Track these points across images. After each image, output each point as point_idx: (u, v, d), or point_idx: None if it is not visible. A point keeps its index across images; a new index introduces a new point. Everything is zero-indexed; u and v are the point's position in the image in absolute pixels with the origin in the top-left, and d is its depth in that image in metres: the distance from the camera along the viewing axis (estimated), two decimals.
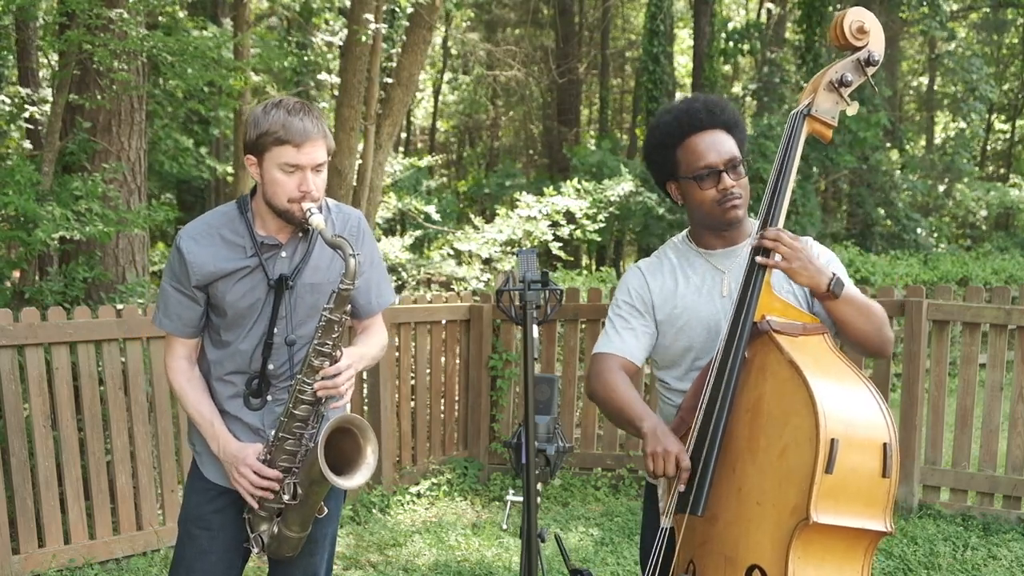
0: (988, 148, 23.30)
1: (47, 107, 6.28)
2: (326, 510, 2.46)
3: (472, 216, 11.60)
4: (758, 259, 2.26)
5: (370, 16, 7.50)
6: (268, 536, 2.41)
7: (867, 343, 2.31)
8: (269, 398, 2.44)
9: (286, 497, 2.35)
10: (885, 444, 2.06)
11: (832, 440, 2.00)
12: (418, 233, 12.05)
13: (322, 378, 2.32)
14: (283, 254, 2.40)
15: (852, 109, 2.35)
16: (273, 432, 2.38)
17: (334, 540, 2.66)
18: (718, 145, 2.36)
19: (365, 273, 2.50)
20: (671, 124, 2.41)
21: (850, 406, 2.07)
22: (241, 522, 2.47)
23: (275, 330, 2.39)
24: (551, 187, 9.51)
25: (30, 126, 6.87)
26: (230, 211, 2.44)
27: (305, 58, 12.63)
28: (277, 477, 2.35)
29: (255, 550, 2.43)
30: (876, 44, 2.33)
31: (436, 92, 21.12)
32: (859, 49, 2.33)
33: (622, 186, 10.32)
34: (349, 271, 2.27)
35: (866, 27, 2.31)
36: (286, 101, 2.32)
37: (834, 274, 2.25)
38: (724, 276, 2.43)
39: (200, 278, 2.37)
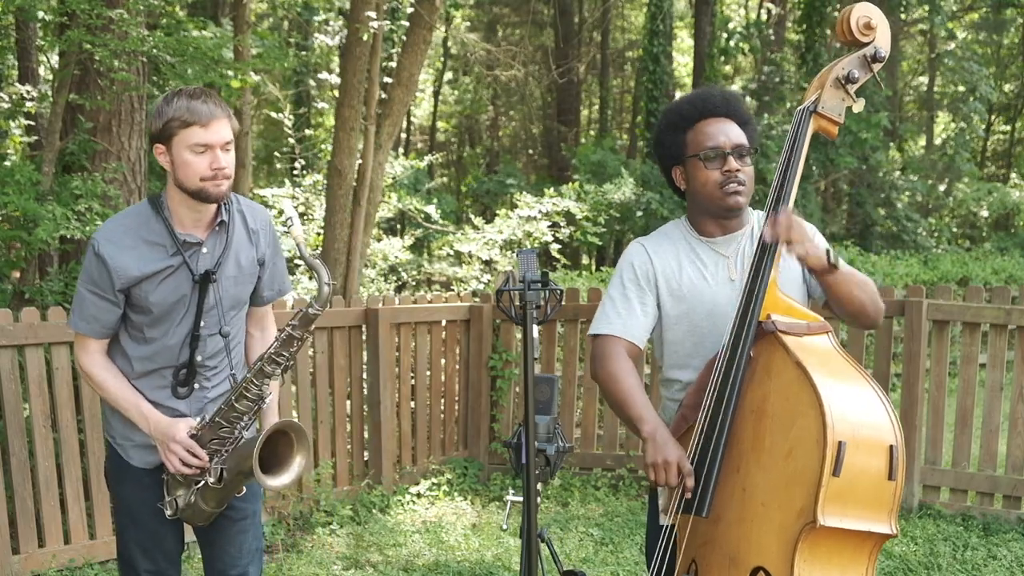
0: (988, 148, 23.27)
1: (46, 103, 6.27)
2: (245, 490, 2.56)
3: (472, 216, 11.59)
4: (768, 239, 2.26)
5: (371, 14, 7.48)
6: (183, 502, 2.49)
7: (864, 313, 2.32)
8: (196, 386, 2.51)
9: (211, 480, 2.43)
10: (891, 446, 2.04)
11: (840, 443, 1.98)
12: (418, 233, 12.04)
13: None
14: (204, 250, 2.46)
15: (858, 106, 2.34)
16: (209, 415, 2.46)
17: (260, 513, 2.74)
18: (728, 131, 2.38)
19: (271, 264, 2.61)
20: (687, 106, 2.45)
21: (857, 408, 2.06)
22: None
23: (201, 323, 2.46)
24: (551, 189, 9.50)
25: (31, 122, 6.86)
26: (143, 211, 2.47)
27: (303, 55, 12.61)
28: (205, 459, 2.43)
29: (168, 512, 2.51)
30: (883, 40, 2.32)
31: (436, 92, 21.11)
32: (865, 45, 2.31)
33: (623, 190, 10.32)
34: (322, 297, 2.39)
35: (873, 23, 2.30)
36: (186, 89, 2.40)
37: (829, 246, 2.28)
38: (727, 260, 2.42)
39: (124, 282, 2.40)
